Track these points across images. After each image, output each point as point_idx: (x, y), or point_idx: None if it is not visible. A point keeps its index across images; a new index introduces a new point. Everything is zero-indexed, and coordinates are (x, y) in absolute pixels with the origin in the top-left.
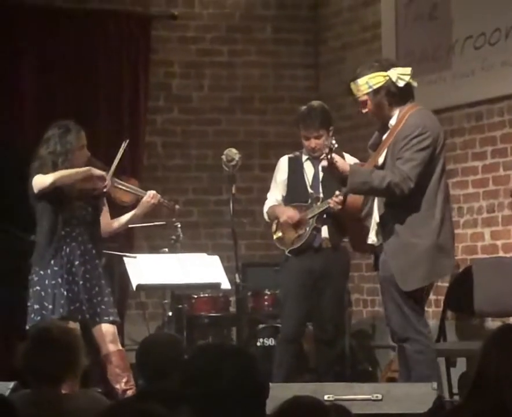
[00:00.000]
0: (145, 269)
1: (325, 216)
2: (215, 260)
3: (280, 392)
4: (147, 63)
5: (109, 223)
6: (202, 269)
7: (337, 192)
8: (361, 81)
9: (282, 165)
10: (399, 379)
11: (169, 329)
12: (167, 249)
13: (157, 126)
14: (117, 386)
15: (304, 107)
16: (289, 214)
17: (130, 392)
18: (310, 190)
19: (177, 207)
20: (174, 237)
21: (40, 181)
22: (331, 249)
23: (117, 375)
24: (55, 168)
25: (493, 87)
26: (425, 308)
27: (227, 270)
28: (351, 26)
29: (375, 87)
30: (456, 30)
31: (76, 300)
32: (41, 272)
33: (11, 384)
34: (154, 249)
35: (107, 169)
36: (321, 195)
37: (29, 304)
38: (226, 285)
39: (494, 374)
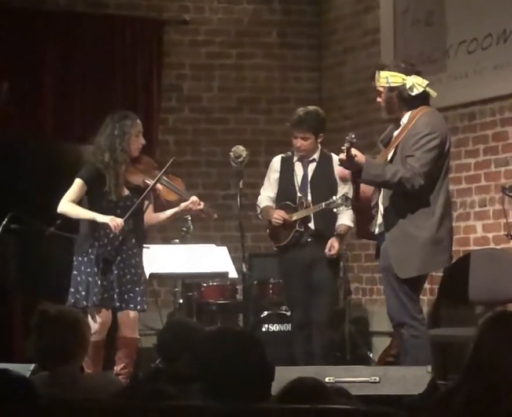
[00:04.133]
0: (157, 258)
1: (311, 221)
2: (223, 251)
3: (283, 375)
4: (160, 65)
5: (152, 216)
6: (211, 259)
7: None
8: (383, 73)
9: (275, 164)
10: (401, 362)
11: (180, 316)
12: (178, 241)
13: (169, 125)
14: (115, 367)
15: (301, 108)
16: (275, 216)
17: (122, 377)
18: (298, 193)
19: (215, 216)
20: (184, 229)
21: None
22: (318, 242)
23: (119, 358)
24: (112, 150)
25: (485, 88)
26: (421, 297)
27: (235, 260)
28: (352, 32)
29: (391, 84)
30: (451, 36)
31: (109, 289)
32: (79, 258)
33: (32, 366)
34: (166, 240)
35: (157, 169)
36: (309, 197)
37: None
38: (233, 274)
39: (487, 357)
